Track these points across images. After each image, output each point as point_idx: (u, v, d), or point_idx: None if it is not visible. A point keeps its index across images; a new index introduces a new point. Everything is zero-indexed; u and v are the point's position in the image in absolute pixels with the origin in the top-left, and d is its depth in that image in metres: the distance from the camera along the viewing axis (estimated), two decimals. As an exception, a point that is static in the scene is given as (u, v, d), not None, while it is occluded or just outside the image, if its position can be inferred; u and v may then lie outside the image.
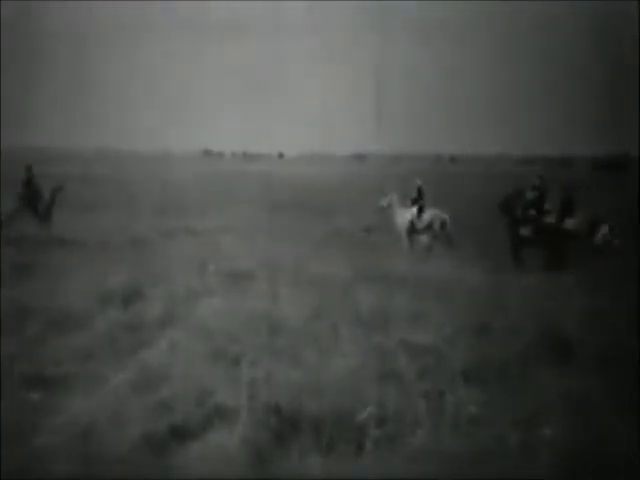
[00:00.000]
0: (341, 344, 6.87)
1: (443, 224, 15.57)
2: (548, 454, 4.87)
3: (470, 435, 5.16)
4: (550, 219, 13.90)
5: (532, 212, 13.88)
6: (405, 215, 15.93)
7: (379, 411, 5.32)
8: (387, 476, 4.67)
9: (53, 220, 16.80)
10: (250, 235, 17.10)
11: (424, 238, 15.66)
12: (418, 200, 16.07)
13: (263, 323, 7.48)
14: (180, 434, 5.20)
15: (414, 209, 15.90)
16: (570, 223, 13.91)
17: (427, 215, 15.71)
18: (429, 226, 15.64)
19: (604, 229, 13.68)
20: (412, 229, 15.82)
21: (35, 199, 16.78)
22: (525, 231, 13.92)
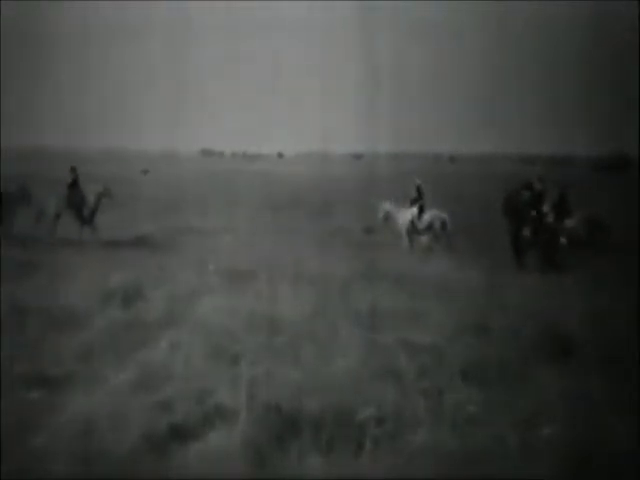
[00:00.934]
0: (341, 343, 6.87)
1: (443, 224, 15.58)
2: (548, 454, 4.87)
3: (470, 434, 5.16)
4: (550, 219, 13.91)
5: (533, 213, 13.88)
6: (406, 215, 15.94)
7: (379, 410, 5.32)
8: (387, 476, 4.67)
9: (96, 224, 16.63)
10: (250, 235, 17.11)
11: (424, 238, 15.68)
12: (418, 200, 16.08)
13: (263, 322, 7.48)
14: (180, 434, 5.20)
15: (415, 209, 15.90)
16: (569, 223, 13.93)
17: (427, 215, 15.73)
18: (429, 226, 15.65)
19: (572, 222, 13.70)
20: (413, 229, 15.83)
21: (81, 203, 16.56)
22: (526, 232, 13.94)
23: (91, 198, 16.59)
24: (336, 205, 25.71)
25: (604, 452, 4.85)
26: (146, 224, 17.43)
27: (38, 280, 9.69)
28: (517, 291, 9.57)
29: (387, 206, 16.41)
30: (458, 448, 4.94)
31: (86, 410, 5.38)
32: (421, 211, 15.82)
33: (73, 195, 16.51)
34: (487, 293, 9.33)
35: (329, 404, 5.35)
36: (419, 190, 16.20)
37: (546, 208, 13.97)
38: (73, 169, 16.84)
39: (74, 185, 16.64)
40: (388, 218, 16.26)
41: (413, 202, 16.12)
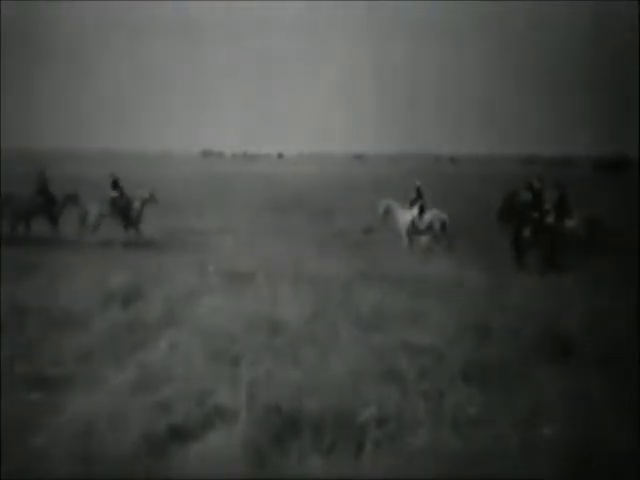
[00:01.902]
0: (341, 344, 6.86)
1: (443, 224, 15.58)
2: (548, 454, 4.87)
3: (470, 435, 5.16)
4: (550, 220, 13.90)
5: (534, 214, 13.86)
6: (406, 215, 15.94)
7: (379, 411, 5.32)
8: (387, 476, 4.67)
9: (140, 227, 17.24)
10: (250, 235, 17.12)
11: (424, 238, 15.68)
12: (417, 200, 16.08)
13: (263, 323, 7.48)
14: (180, 434, 5.20)
15: (415, 209, 15.90)
16: (569, 223, 13.92)
17: (428, 215, 15.72)
18: (430, 227, 15.65)
19: (572, 222, 13.71)
20: (413, 229, 15.83)
21: (128, 207, 17.17)
22: (527, 232, 13.92)
23: (137, 204, 17.28)
24: (336, 206, 25.72)
25: (604, 452, 4.84)
26: (146, 225, 17.44)
27: (38, 280, 9.69)
28: (517, 291, 9.56)
29: (388, 201, 16.41)
30: (458, 449, 4.93)
31: (86, 410, 5.38)
32: (421, 211, 15.81)
33: (119, 199, 17.16)
34: (487, 293, 9.33)
35: (329, 405, 5.35)
36: (419, 191, 16.19)
37: (546, 208, 13.96)
38: (112, 175, 17.58)
39: (115, 187, 17.24)
40: (388, 212, 16.22)
41: (412, 203, 16.11)
